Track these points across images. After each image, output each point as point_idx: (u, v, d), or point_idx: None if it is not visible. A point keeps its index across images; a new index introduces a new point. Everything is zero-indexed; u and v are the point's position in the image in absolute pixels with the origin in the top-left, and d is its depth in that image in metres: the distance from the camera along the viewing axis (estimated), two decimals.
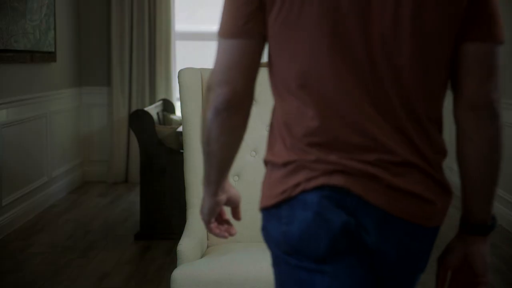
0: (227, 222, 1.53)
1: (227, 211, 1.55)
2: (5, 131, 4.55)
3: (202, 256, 2.64)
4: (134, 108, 6.20)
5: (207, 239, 2.78)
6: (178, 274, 2.47)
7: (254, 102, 1.71)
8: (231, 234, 1.52)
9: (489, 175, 1.43)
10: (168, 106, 5.87)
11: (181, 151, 4.35)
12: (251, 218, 2.72)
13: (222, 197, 1.46)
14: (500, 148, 1.38)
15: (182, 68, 2.84)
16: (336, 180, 1.23)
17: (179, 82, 2.80)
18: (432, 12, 1.22)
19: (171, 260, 3.98)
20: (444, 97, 1.41)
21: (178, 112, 5.99)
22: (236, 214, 1.55)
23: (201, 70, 2.86)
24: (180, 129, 4.51)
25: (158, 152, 4.41)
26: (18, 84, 4.82)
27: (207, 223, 1.48)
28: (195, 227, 2.66)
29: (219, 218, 1.51)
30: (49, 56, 5.36)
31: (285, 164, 1.27)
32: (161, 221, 4.44)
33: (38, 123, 5.19)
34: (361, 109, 1.24)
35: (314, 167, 1.24)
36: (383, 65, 1.23)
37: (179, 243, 2.61)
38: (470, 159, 1.42)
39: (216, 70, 1.30)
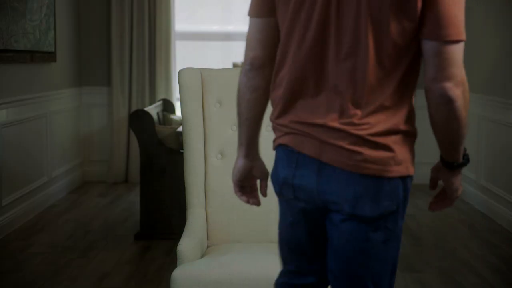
0: (256, 196, 1.89)
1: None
2: (5, 131, 4.55)
3: (202, 256, 2.64)
4: (134, 108, 6.20)
5: (207, 239, 2.78)
6: (178, 274, 2.47)
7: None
8: (250, 203, 1.88)
9: (447, 138, 1.70)
10: (168, 106, 5.87)
11: (181, 151, 4.35)
12: (250, 218, 2.72)
13: (254, 163, 1.82)
14: (455, 121, 1.64)
15: (182, 68, 2.84)
16: (285, 140, 1.67)
17: (179, 82, 2.80)
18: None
19: (171, 260, 3.98)
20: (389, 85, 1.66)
21: (178, 112, 5.99)
22: (263, 188, 1.87)
23: (201, 70, 2.86)
24: (180, 129, 4.51)
25: (158, 152, 4.41)
26: (18, 84, 4.82)
27: (235, 185, 1.84)
28: (195, 227, 2.66)
29: (250, 188, 1.87)
30: (49, 56, 5.36)
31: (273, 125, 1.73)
32: (161, 221, 4.44)
33: (38, 123, 5.20)
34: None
35: (278, 129, 1.70)
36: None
37: (179, 243, 2.61)
38: (433, 126, 1.74)
39: (246, 43, 1.73)
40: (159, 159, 4.41)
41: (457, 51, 1.56)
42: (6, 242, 4.36)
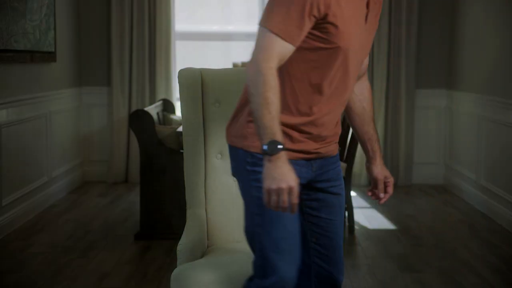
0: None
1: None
2: (5, 131, 4.55)
3: (202, 256, 2.64)
4: (134, 108, 6.20)
5: (207, 239, 2.78)
6: (178, 274, 2.47)
7: None
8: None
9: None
10: (168, 106, 5.87)
11: (181, 151, 4.35)
12: None
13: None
14: (249, 95, 1.94)
15: (182, 68, 2.84)
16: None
17: (179, 82, 2.80)
18: None
19: (171, 260, 3.98)
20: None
21: (178, 112, 5.99)
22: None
23: (201, 70, 2.86)
24: (180, 129, 4.51)
25: (158, 152, 4.41)
26: (18, 84, 4.82)
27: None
28: (195, 227, 2.66)
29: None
30: (49, 56, 5.36)
31: None
32: (161, 221, 4.44)
33: (38, 123, 5.20)
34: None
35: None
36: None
37: (179, 243, 2.61)
38: None
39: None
40: (159, 159, 4.42)
41: (261, 36, 1.94)
42: (6, 242, 4.36)
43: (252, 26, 6.39)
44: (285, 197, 1.84)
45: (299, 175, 1.95)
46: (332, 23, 1.92)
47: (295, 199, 1.86)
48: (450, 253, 4.22)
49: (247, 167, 2.04)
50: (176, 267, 2.53)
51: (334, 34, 1.94)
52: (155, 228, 4.46)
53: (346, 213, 4.83)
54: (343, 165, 4.68)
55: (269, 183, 1.86)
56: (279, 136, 1.88)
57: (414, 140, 6.37)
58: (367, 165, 2.30)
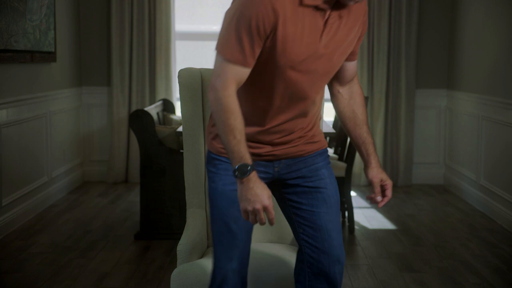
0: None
1: None
2: (5, 131, 4.55)
3: (202, 256, 2.64)
4: (134, 108, 6.20)
5: (207, 239, 2.78)
6: (178, 274, 2.47)
7: None
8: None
9: None
10: (168, 106, 5.87)
11: (181, 151, 4.35)
12: None
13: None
14: (215, 116, 2.04)
15: (182, 68, 2.84)
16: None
17: (179, 82, 2.80)
18: None
19: (171, 260, 3.98)
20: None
21: (178, 112, 5.99)
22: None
23: (201, 70, 2.86)
24: (180, 129, 4.51)
25: (158, 152, 4.42)
26: (18, 84, 4.82)
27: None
28: (195, 227, 2.66)
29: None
30: (49, 56, 5.36)
31: None
32: (161, 221, 4.44)
33: (38, 123, 5.20)
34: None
35: None
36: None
37: (179, 243, 2.61)
38: None
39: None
40: (159, 159, 4.42)
41: (217, 62, 2.00)
42: (6, 242, 4.36)
43: None
44: (261, 216, 1.96)
45: (259, 175, 2.05)
46: (276, 42, 1.97)
47: (271, 215, 1.98)
48: (450, 253, 4.22)
49: (206, 165, 2.23)
50: (176, 267, 2.53)
51: (278, 52, 1.99)
52: (155, 228, 4.46)
53: (346, 213, 4.83)
54: (343, 165, 4.68)
55: (245, 205, 1.98)
56: (247, 159, 1.98)
57: (414, 140, 6.37)
58: (364, 169, 2.31)
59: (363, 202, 5.64)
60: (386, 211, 5.31)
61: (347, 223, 4.78)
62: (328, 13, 2.03)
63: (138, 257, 4.10)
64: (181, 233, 2.68)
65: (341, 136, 5.06)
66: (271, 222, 1.99)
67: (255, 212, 1.97)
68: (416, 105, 6.34)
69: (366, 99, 4.59)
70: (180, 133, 4.41)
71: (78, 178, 6.23)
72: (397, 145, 6.31)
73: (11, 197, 4.64)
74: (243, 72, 1.99)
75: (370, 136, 2.29)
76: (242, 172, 1.97)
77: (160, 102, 5.70)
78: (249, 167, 1.97)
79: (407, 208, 5.42)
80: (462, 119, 5.91)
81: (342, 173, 4.63)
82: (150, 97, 6.28)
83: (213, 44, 6.49)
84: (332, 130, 4.46)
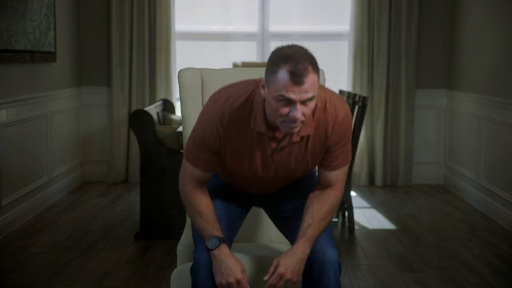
0: None
1: None
2: (5, 131, 4.55)
3: None
4: (134, 108, 6.20)
5: None
6: (178, 274, 2.47)
7: None
8: None
9: None
10: (168, 106, 5.87)
11: (181, 151, 4.35)
12: (249, 219, 2.72)
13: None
14: (184, 203, 2.45)
15: (182, 68, 2.84)
16: None
17: (179, 82, 2.80)
18: None
19: (171, 260, 3.98)
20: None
21: (178, 112, 5.98)
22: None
23: (201, 70, 2.86)
24: (180, 129, 4.51)
25: (158, 152, 4.41)
26: (18, 84, 4.82)
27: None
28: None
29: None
30: (49, 56, 5.36)
31: None
32: (161, 221, 4.44)
33: (38, 123, 5.19)
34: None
35: None
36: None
37: (179, 243, 2.61)
38: None
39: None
40: (159, 159, 4.42)
41: (183, 161, 2.34)
42: (6, 242, 4.36)
43: (252, 26, 6.39)
44: None
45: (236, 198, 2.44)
46: (226, 156, 2.26)
47: (245, 286, 2.19)
48: (450, 253, 4.22)
49: None
50: (176, 267, 2.53)
51: (230, 165, 2.29)
52: (155, 228, 4.46)
53: (346, 213, 4.83)
54: None
55: (219, 279, 2.18)
56: (216, 233, 2.23)
57: (414, 140, 6.37)
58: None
59: (363, 202, 5.64)
60: (386, 211, 5.31)
61: (347, 223, 4.78)
62: (282, 134, 2.21)
63: (138, 257, 4.10)
64: (181, 233, 2.68)
65: None
66: None
67: (229, 285, 2.16)
68: (416, 105, 6.34)
69: (366, 99, 4.59)
70: (180, 133, 4.41)
71: (78, 178, 6.22)
72: (397, 145, 6.30)
73: (11, 197, 4.64)
74: (201, 174, 2.30)
75: (312, 229, 2.26)
76: (212, 244, 2.21)
77: (160, 102, 5.70)
78: (218, 240, 2.21)
79: (407, 208, 5.42)
80: (462, 119, 5.91)
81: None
82: (150, 97, 6.28)
83: (213, 44, 6.49)
84: None
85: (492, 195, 5.11)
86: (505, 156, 4.92)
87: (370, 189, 6.19)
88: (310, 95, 2.05)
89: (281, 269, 2.18)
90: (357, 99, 4.76)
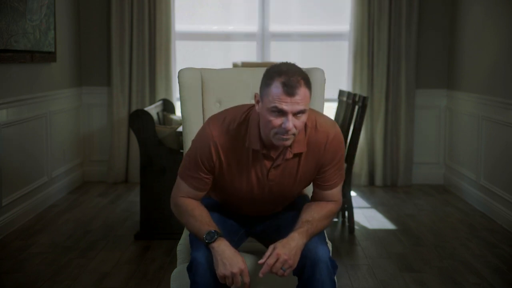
0: None
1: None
2: (5, 131, 4.55)
3: None
4: (134, 108, 6.20)
5: None
6: (178, 274, 2.47)
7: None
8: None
9: None
10: (168, 106, 5.87)
11: (181, 151, 4.35)
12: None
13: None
14: (178, 217, 2.48)
15: (182, 68, 2.84)
16: None
17: (179, 82, 2.81)
18: None
19: (171, 260, 3.99)
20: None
21: (178, 112, 5.98)
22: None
23: (201, 70, 2.86)
24: (180, 129, 4.51)
25: (158, 152, 4.41)
26: (18, 84, 4.82)
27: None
28: None
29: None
30: (49, 56, 5.36)
31: None
32: (161, 221, 4.44)
33: (38, 123, 5.19)
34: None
35: None
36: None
37: (179, 243, 2.61)
38: None
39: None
40: (159, 159, 4.42)
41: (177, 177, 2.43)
42: (6, 242, 4.36)
43: (252, 26, 6.39)
44: (238, 279, 2.18)
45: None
46: (220, 175, 2.35)
47: (247, 279, 2.20)
48: (450, 253, 4.22)
49: None
50: (176, 267, 2.53)
51: (223, 184, 2.38)
52: (155, 228, 4.46)
53: (346, 213, 4.83)
54: None
55: (222, 270, 2.18)
56: (212, 227, 2.27)
57: (414, 140, 6.37)
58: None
59: (363, 202, 5.64)
60: (386, 211, 5.31)
61: (347, 223, 4.78)
62: (277, 153, 2.31)
63: (138, 257, 4.10)
64: (181, 233, 2.68)
65: None
66: (246, 286, 2.20)
67: (232, 276, 2.17)
68: (416, 105, 6.34)
69: (366, 99, 4.59)
70: (180, 133, 4.41)
71: (78, 178, 6.22)
72: (397, 145, 6.30)
73: (11, 197, 4.64)
74: (194, 193, 2.37)
75: (310, 224, 2.32)
76: (210, 237, 2.24)
77: (160, 102, 5.70)
78: (216, 233, 2.24)
79: (407, 208, 5.42)
80: (462, 119, 5.91)
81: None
82: (150, 97, 6.28)
83: (213, 44, 6.49)
84: None
85: (492, 195, 5.11)
86: (505, 156, 4.92)
87: (370, 189, 6.19)
88: (301, 107, 2.17)
89: (278, 251, 2.21)
90: (357, 99, 4.76)
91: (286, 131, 2.17)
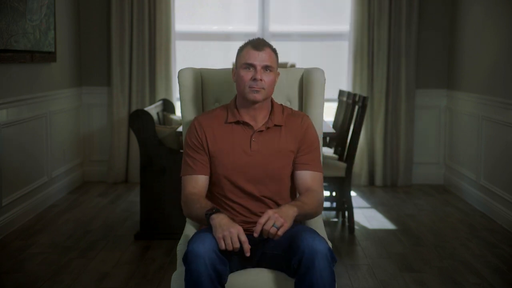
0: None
1: None
2: (5, 131, 4.55)
3: None
4: (134, 108, 6.20)
5: None
6: (179, 276, 2.47)
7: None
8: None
9: None
10: (168, 106, 5.87)
11: (181, 151, 4.35)
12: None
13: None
14: (186, 212, 2.62)
15: (182, 68, 2.84)
16: None
17: (179, 82, 2.81)
18: None
19: (171, 260, 3.99)
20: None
21: (178, 112, 5.98)
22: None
23: (201, 70, 2.86)
24: (180, 129, 4.51)
25: (158, 152, 4.41)
26: (18, 84, 4.82)
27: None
28: (195, 227, 2.66)
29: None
30: (49, 56, 5.36)
31: None
32: (161, 221, 4.44)
33: (38, 123, 5.20)
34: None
35: None
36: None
37: (179, 243, 2.61)
38: None
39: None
40: (159, 159, 4.42)
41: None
42: (6, 242, 4.36)
43: (252, 26, 6.39)
44: (236, 239, 2.26)
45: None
46: (211, 155, 2.54)
47: (244, 237, 2.27)
48: (450, 253, 4.22)
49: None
50: (176, 267, 2.52)
51: (215, 163, 2.54)
52: (155, 228, 4.46)
53: (346, 213, 4.83)
54: (343, 165, 4.68)
55: (220, 231, 2.28)
56: (212, 207, 2.39)
57: (414, 140, 6.37)
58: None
59: (363, 202, 5.64)
60: (386, 211, 5.31)
61: (347, 223, 4.78)
62: (257, 125, 2.54)
63: (138, 257, 4.10)
64: (181, 233, 2.68)
65: (341, 136, 5.06)
66: (246, 249, 2.27)
67: (230, 235, 2.26)
68: (416, 105, 6.34)
69: (366, 99, 4.59)
70: (180, 133, 4.41)
71: (78, 178, 6.23)
72: (397, 145, 6.30)
73: (11, 197, 4.64)
74: (197, 179, 2.54)
75: (301, 203, 2.45)
76: (211, 212, 2.35)
77: (160, 102, 5.70)
78: (215, 209, 2.36)
79: (407, 208, 5.42)
80: (462, 119, 5.91)
81: (342, 173, 4.63)
82: (150, 97, 6.28)
83: (213, 44, 6.49)
84: (332, 130, 4.45)
85: (492, 195, 5.11)
86: (505, 156, 4.92)
87: (370, 189, 6.19)
88: (268, 63, 2.50)
89: (269, 211, 2.32)
90: (357, 99, 4.76)
91: (256, 82, 2.47)
